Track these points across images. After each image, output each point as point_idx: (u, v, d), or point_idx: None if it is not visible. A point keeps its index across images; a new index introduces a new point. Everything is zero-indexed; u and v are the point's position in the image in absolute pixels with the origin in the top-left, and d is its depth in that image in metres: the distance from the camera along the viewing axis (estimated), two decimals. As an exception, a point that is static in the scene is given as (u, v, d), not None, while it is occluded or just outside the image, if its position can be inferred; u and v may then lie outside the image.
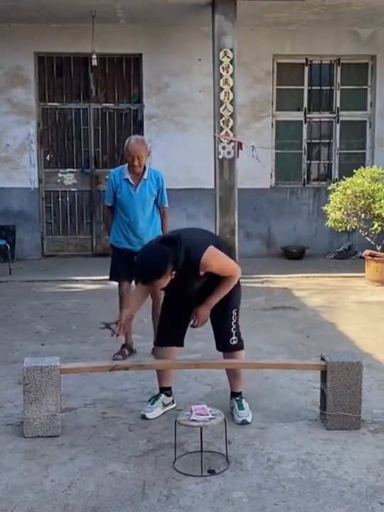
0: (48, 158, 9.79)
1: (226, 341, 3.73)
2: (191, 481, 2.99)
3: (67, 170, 9.80)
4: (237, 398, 3.80)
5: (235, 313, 3.74)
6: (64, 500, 2.84)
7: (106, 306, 6.48)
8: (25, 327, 5.87)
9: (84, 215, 9.90)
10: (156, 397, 3.81)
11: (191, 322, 3.67)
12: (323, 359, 3.64)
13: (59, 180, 9.79)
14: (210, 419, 3.16)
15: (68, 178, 9.79)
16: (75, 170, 9.80)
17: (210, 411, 3.22)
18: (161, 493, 2.88)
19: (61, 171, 9.79)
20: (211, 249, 3.49)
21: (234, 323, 3.74)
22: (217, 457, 3.22)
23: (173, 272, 3.36)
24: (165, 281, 3.36)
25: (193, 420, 3.14)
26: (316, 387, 3.86)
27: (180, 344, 3.80)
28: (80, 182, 9.80)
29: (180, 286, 3.55)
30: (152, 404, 3.76)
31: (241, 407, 3.73)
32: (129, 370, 3.85)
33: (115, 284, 5.11)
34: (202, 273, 3.47)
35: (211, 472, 3.07)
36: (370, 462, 3.18)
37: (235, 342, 3.73)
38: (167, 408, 3.81)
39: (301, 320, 6.07)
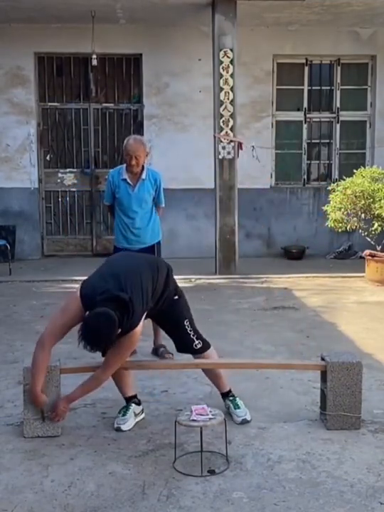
0: (47, 158, 9.79)
1: (190, 347, 3.70)
2: (191, 481, 2.99)
3: (67, 170, 9.80)
4: (230, 398, 3.78)
5: (187, 324, 3.68)
6: (64, 500, 2.84)
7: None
8: (25, 327, 5.86)
9: (84, 215, 9.90)
10: (126, 408, 3.68)
11: (50, 415, 3.42)
12: (323, 359, 3.64)
13: (59, 180, 9.79)
14: (210, 419, 3.16)
15: (68, 178, 9.79)
16: (75, 170, 9.80)
17: (210, 411, 3.22)
18: (161, 493, 2.88)
19: (61, 171, 9.79)
20: (138, 329, 3.32)
21: (190, 330, 3.68)
22: (217, 457, 3.22)
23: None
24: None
25: (193, 420, 3.14)
26: (316, 387, 3.86)
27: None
28: (79, 182, 9.80)
29: None
30: (123, 415, 3.63)
31: (237, 406, 3.72)
32: (129, 370, 3.84)
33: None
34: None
35: (211, 472, 3.07)
36: (370, 462, 3.17)
37: (199, 345, 3.70)
38: (138, 418, 3.69)
39: (301, 320, 6.07)
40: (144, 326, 3.44)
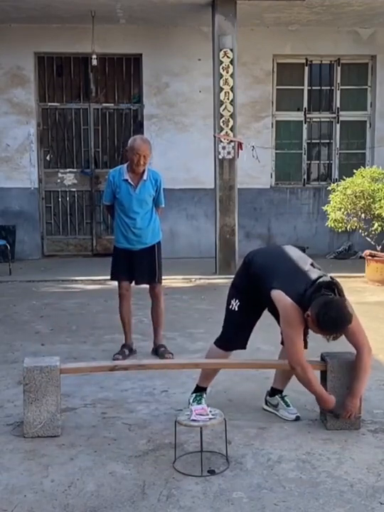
0: (47, 158, 9.79)
1: None
2: (191, 481, 2.99)
3: (67, 170, 9.80)
4: (281, 396, 3.84)
5: None
6: (64, 500, 2.83)
7: (106, 306, 6.48)
8: (25, 327, 5.87)
9: (84, 215, 9.90)
10: (201, 396, 3.85)
11: (342, 413, 3.49)
12: (323, 359, 3.64)
13: (59, 180, 9.79)
14: (210, 419, 3.16)
15: (68, 178, 9.79)
16: (75, 170, 9.80)
17: (210, 411, 3.22)
18: (161, 493, 2.88)
19: (61, 171, 9.79)
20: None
21: None
22: (217, 457, 3.22)
23: None
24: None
25: (193, 420, 3.14)
26: (316, 387, 3.86)
27: (244, 346, 3.84)
28: (79, 182, 9.81)
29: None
30: (198, 403, 3.71)
31: (288, 404, 3.79)
32: (129, 370, 3.84)
33: (115, 283, 5.11)
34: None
35: (211, 472, 3.07)
36: (370, 462, 3.17)
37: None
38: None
39: (301, 320, 6.05)
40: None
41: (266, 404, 3.89)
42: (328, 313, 3.20)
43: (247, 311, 3.73)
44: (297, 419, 3.70)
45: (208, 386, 3.94)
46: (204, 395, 3.88)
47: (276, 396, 3.84)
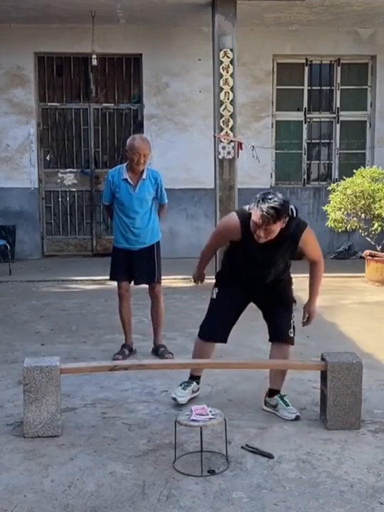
0: (48, 158, 9.79)
1: (285, 332, 3.81)
2: (191, 481, 2.99)
3: (67, 170, 9.80)
4: (280, 396, 3.85)
5: (294, 306, 3.89)
6: (64, 500, 2.84)
7: (106, 306, 6.48)
8: (25, 327, 5.87)
9: (84, 215, 9.90)
10: (188, 383, 3.95)
11: (303, 319, 3.89)
12: (323, 359, 3.64)
13: (59, 180, 9.79)
14: (210, 419, 3.16)
15: (68, 178, 9.79)
16: (75, 170, 9.80)
17: (210, 411, 3.22)
18: (161, 493, 2.88)
19: (61, 171, 9.79)
20: (310, 228, 3.77)
21: (293, 316, 3.86)
22: (217, 457, 3.22)
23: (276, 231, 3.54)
24: (277, 228, 3.51)
25: (193, 420, 3.14)
26: (316, 387, 3.86)
27: (224, 340, 3.91)
28: (79, 182, 9.80)
29: (270, 258, 3.67)
30: (184, 389, 3.91)
31: (287, 404, 3.80)
32: (129, 370, 3.85)
33: (115, 283, 5.10)
34: (302, 243, 3.69)
35: (211, 472, 3.07)
36: (370, 462, 3.18)
37: (291, 334, 3.83)
38: (193, 395, 3.96)
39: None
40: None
41: (265, 404, 3.89)
42: (261, 199, 3.48)
43: (225, 299, 3.84)
44: (297, 418, 3.71)
45: (200, 375, 4.01)
46: (192, 384, 3.96)
47: (275, 396, 3.85)
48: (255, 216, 3.50)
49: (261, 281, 3.77)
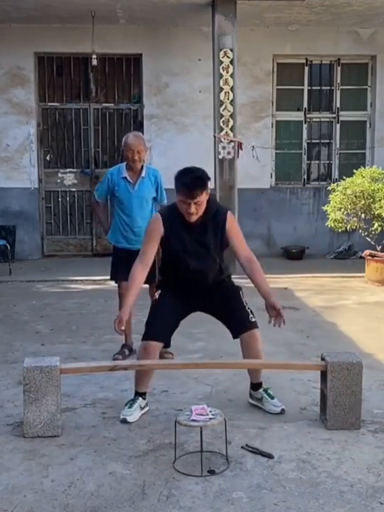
0: (48, 158, 9.79)
1: (246, 320, 3.74)
2: (191, 481, 2.99)
3: (67, 170, 9.80)
4: (263, 389, 3.84)
5: (242, 294, 3.85)
6: (64, 500, 2.83)
7: (106, 306, 6.48)
8: (25, 327, 5.87)
9: (84, 215, 9.90)
10: (133, 401, 3.76)
11: (272, 321, 3.74)
12: (323, 359, 3.64)
13: (59, 180, 9.79)
14: (210, 419, 3.16)
15: (68, 178, 9.79)
16: (75, 170, 9.80)
17: (210, 411, 3.21)
18: (161, 493, 2.88)
19: (61, 171, 9.80)
20: (231, 213, 3.80)
21: (245, 302, 3.82)
22: (217, 457, 3.22)
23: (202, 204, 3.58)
24: (204, 199, 3.55)
25: (193, 420, 3.14)
26: (316, 387, 3.86)
27: (167, 341, 3.82)
28: (79, 182, 9.81)
29: (201, 244, 3.68)
30: (130, 407, 3.71)
31: (271, 397, 3.79)
32: (129, 370, 3.84)
33: (115, 283, 5.10)
34: (227, 227, 3.68)
35: (211, 472, 3.07)
36: (370, 462, 3.17)
37: (253, 319, 3.77)
38: (143, 411, 3.77)
39: (301, 320, 6.06)
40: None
41: (251, 397, 3.89)
42: (181, 174, 3.57)
43: (166, 300, 3.78)
44: (282, 412, 3.71)
45: (145, 391, 3.82)
46: (138, 401, 3.76)
47: (260, 390, 3.84)
48: (182, 192, 3.55)
49: (201, 280, 3.71)
